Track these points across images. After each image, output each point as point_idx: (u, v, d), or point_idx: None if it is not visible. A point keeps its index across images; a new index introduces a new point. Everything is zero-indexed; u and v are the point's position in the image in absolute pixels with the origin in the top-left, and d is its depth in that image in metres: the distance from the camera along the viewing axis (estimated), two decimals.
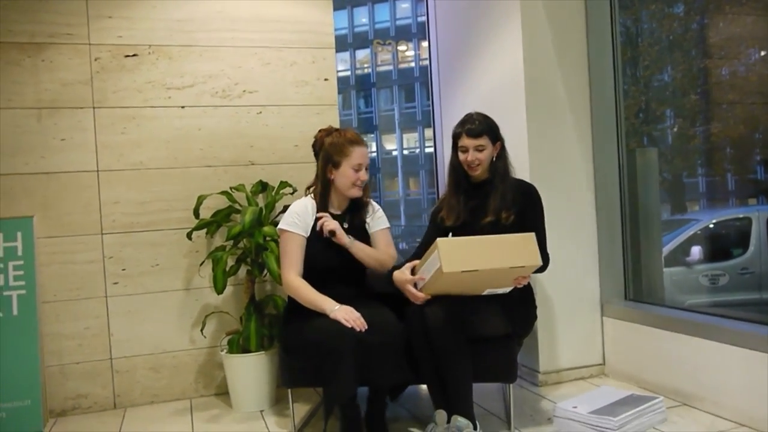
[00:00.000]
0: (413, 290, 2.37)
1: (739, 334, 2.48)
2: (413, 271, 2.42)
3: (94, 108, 3.12)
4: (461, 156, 2.60)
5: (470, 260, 2.21)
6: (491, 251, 2.25)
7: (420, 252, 2.50)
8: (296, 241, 2.53)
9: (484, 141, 2.55)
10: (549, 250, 2.56)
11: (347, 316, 2.30)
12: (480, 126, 2.56)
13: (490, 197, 2.55)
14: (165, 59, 3.22)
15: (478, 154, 2.55)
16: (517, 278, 2.35)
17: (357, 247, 2.56)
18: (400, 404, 2.85)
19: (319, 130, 2.68)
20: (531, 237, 2.33)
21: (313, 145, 2.68)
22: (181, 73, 3.24)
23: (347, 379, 2.21)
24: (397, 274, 2.45)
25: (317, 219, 2.56)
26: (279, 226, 2.59)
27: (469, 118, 2.61)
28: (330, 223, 2.53)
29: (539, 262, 2.31)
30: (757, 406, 2.38)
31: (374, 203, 2.74)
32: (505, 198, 2.53)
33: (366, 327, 2.28)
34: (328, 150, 2.56)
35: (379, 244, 2.66)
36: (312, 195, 2.63)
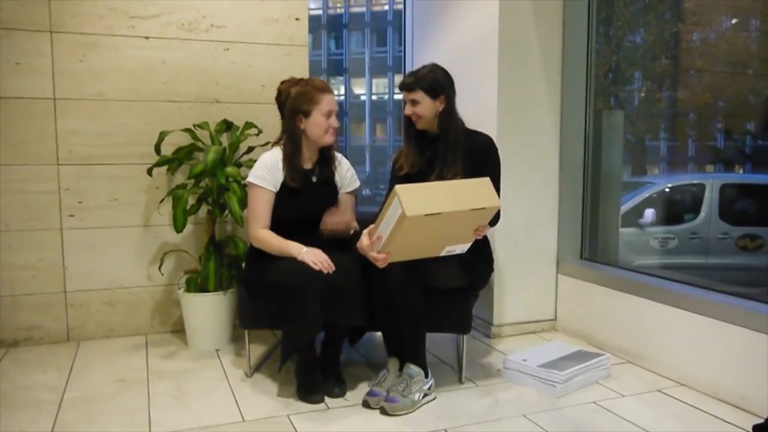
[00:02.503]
0: (374, 254, 2.25)
1: (684, 297, 2.57)
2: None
3: (51, 32, 2.98)
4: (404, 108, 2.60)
5: (432, 203, 2.14)
6: (451, 195, 2.21)
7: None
8: (265, 195, 2.51)
9: (418, 95, 2.50)
10: (509, 205, 2.56)
11: (315, 258, 2.32)
12: (413, 80, 2.51)
13: (436, 157, 2.53)
14: None
15: (413, 108, 2.52)
16: (477, 229, 2.31)
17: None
18: (355, 349, 2.91)
19: (282, 82, 2.61)
20: (487, 181, 2.28)
21: (277, 98, 2.60)
22: (146, 1, 3.11)
23: (313, 320, 2.24)
24: (358, 244, 2.34)
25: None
26: (248, 179, 2.53)
27: (412, 71, 2.57)
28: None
29: (498, 203, 2.28)
30: (696, 366, 2.50)
31: (341, 156, 2.71)
32: (446, 161, 2.49)
33: (333, 269, 2.30)
34: (297, 100, 2.50)
35: (345, 207, 2.67)
36: (282, 148, 2.56)
